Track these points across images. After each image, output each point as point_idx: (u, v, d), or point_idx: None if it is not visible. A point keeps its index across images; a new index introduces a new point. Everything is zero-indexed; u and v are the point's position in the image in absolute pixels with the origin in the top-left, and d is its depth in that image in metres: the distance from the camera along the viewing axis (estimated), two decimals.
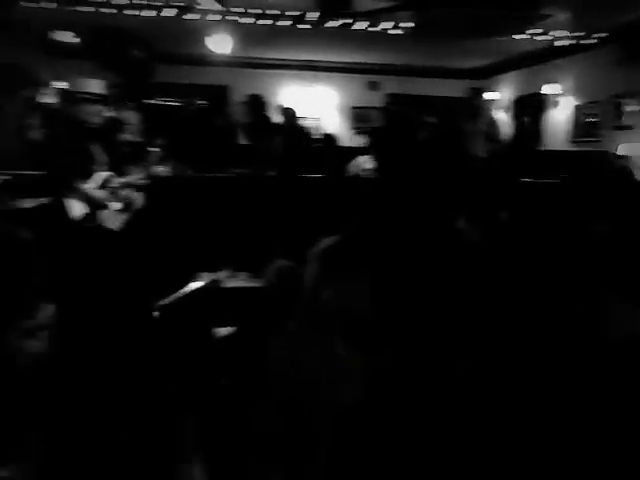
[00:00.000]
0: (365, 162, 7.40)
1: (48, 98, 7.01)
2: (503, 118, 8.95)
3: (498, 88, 9.97)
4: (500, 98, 9.84)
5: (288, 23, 5.82)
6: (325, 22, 5.60)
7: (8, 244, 3.77)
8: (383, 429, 1.76)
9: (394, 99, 10.09)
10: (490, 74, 10.02)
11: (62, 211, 4.24)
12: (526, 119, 9.25)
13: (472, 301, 2.72)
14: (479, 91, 6.80)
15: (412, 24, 5.32)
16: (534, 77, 8.85)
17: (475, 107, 6.52)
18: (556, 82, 8.20)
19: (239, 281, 5.96)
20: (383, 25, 5.81)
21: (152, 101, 9.17)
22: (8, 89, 6.82)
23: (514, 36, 5.77)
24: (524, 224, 5.07)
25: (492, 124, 6.67)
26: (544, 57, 8.16)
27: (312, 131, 8.08)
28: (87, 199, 4.32)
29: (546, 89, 8.26)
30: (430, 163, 5.82)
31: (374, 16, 5.37)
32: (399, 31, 5.96)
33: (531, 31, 5.99)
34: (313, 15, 5.53)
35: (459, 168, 5.65)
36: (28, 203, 4.82)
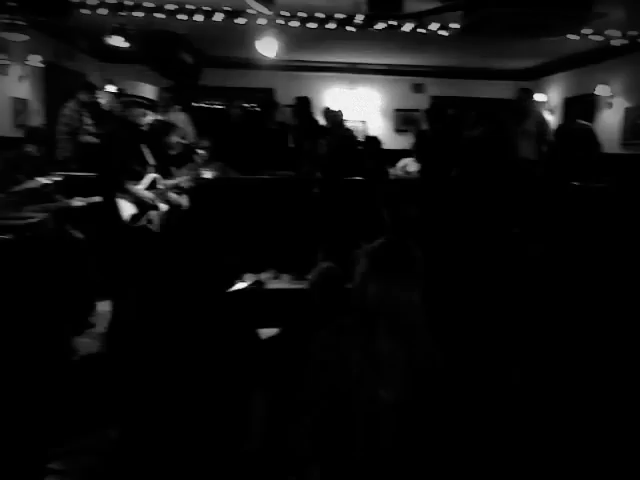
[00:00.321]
0: (409, 165, 7.37)
1: (101, 102, 7.22)
2: (552, 120, 8.76)
3: (546, 89, 9.75)
4: (548, 100, 9.63)
5: (335, 26, 5.83)
6: (372, 24, 5.59)
7: (63, 243, 3.89)
8: (425, 427, 1.74)
9: (439, 101, 9.99)
10: (539, 75, 9.82)
11: (113, 211, 4.37)
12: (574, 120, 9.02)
13: (522, 303, 2.67)
14: (529, 92, 6.66)
15: (460, 25, 5.25)
16: (584, 78, 8.62)
17: (525, 109, 6.39)
18: (607, 83, 7.96)
19: (282, 283, 6.00)
20: (430, 26, 5.76)
21: (199, 104, 9.35)
22: (65, 93, 7.06)
23: (567, 36, 5.63)
24: (575, 229, 4.94)
25: (542, 126, 6.52)
26: (595, 57, 7.94)
27: (356, 134, 8.08)
28: (136, 200, 4.44)
29: (597, 90, 8.03)
30: (477, 166, 5.75)
31: (422, 17, 5.32)
32: (446, 32, 5.90)
33: (584, 31, 5.84)
34: (360, 17, 5.53)
35: (507, 171, 5.57)
36: (80, 202, 4.98)
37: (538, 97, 8.95)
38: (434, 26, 5.81)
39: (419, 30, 5.79)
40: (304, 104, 7.17)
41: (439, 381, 1.79)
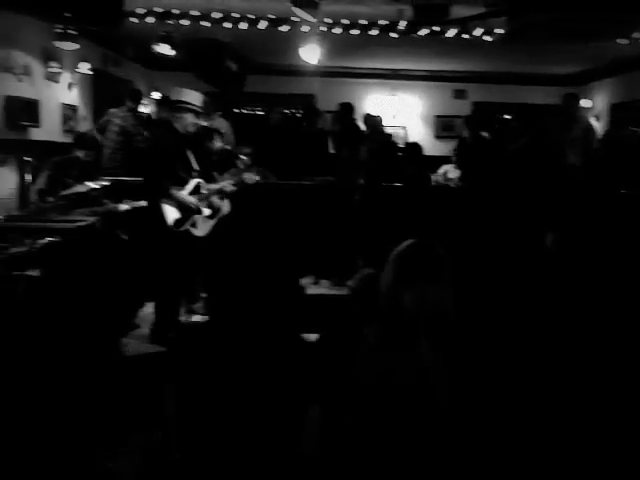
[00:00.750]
0: (449, 171, 7.30)
1: (148, 108, 7.41)
2: (598, 126, 8.56)
3: (592, 95, 9.54)
4: (594, 105, 9.43)
5: (377, 32, 5.84)
6: (416, 30, 5.58)
7: (110, 246, 3.99)
8: (470, 434, 1.71)
9: (481, 107, 9.88)
10: (584, 80, 9.61)
11: (157, 215, 4.45)
12: (623, 127, 8.79)
13: (553, 309, 2.62)
14: (576, 98, 6.52)
15: (505, 30, 5.20)
16: (632, 84, 8.41)
17: (570, 115, 6.26)
18: None
19: (322, 288, 6.02)
20: (475, 32, 5.71)
21: (242, 110, 9.48)
22: (111, 100, 7.25)
23: (617, 40, 5.51)
24: (622, 238, 4.81)
25: (588, 132, 6.38)
26: None
27: (396, 140, 8.05)
28: (180, 205, 4.52)
29: None
30: (519, 173, 5.66)
31: (466, 23, 5.29)
32: (491, 38, 5.84)
33: (635, 35, 5.70)
34: (403, 23, 5.52)
35: (551, 178, 5.47)
36: (127, 206, 5.11)
37: (584, 103, 8.76)
38: (478, 31, 5.76)
39: (463, 36, 5.75)
40: (347, 110, 7.19)
41: (476, 388, 1.76)
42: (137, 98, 6.75)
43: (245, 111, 9.87)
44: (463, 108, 9.79)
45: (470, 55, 7.81)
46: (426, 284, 1.77)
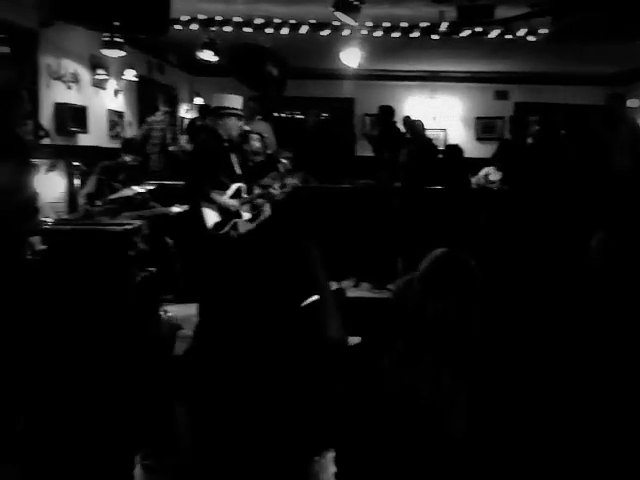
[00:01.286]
0: (491, 173, 7.21)
1: (190, 113, 7.55)
2: None
3: (638, 95, 9.27)
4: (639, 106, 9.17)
5: (418, 34, 5.82)
6: (458, 32, 5.54)
7: (155, 249, 4.05)
8: (490, 461, 1.65)
9: (523, 108, 9.72)
10: (630, 80, 9.35)
11: (199, 219, 4.53)
12: None
13: (596, 326, 2.51)
14: (621, 98, 6.35)
15: (549, 30, 5.11)
16: None
17: (616, 115, 6.10)
18: None
19: (362, 291, 6.03)
20: (518, 32, 5.64)
21: (281, 114, 9.56)
22: (155, 105, 7.43)
23: None
24: None
25: (635, 132, 6.20)
26: None
27: (436, 142, 7.99)
28: (221, 208, 4.59)
29: None
30: (565, 175, 5.54)
31: (509, 23, 5.22)
32: (534, 38, 5.75)
33: None
34: (445, 25, 5.49)
35: (598, 180, 5.34)
36: (178, 209, 5.23)
37: (630, 103, 8.52)
38: (521, 32, 5.68)
39: (506, 36, 5.68)
40: (387, 113, 7.18)
41: (503, 410, 1.68)
42: (172, 103, 6.90)
43: (285, 115, 9.95)
44: (505, 109, 9.65)
45: (512, 55, 7.70)
46: (450, 297, 1.72)
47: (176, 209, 5.23)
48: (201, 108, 7.79)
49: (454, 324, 1.70)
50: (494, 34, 5.72)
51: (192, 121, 7.17)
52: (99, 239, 4.26)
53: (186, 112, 9.49)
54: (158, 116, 6.93)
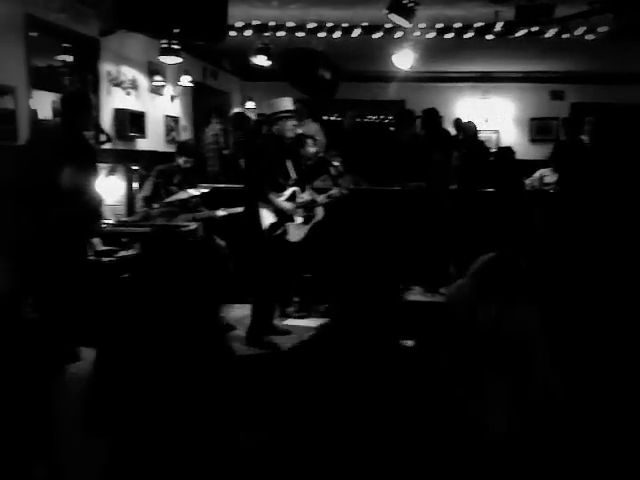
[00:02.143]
0: (546, 175, 7.04)
1: (246, 117, 7.67)
2: None
3: None
4: None
5: (472, 35, 5.75)
6: (513, 32, 5.45)
7: (209, 250, 4.15)
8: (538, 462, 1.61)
9: (580, 108, 9.45)
10: None
11: (255, 219, 4.60)
12: None
13: None
14: None
15: (610, 28, 4.96)
16: None
17: None
18: None
19: (414, 295, 5.98)
20: (576, 31, 5.49)
21: (330, 117, 9.60)
22: (209, 110, 7.58)
23: None
24: None
25: None
26: None
27: (489, 144, 7.86)
28: (276, 210, 4.65)
29: None
30: (623, 176, 5.36)
31: (567, 22, 5.10)
32: (593, 36, 5.59)
33: None
34: (500, 25, 5.41)
35: None
36: (223, 212, 5.33)
37: None
38: (580, 30, 5.53)
39: (563, 35, 5.54)
40: (432, 116, 7.12)
41: (556, 413, 1.62)
42: (222, 113, 7.08)
43: (333, 118, 9.99)
44: (560, 110, 9.40)
45: (568, 55, 7.51)
46: (503, 302, 1.67)
47: (221, 212, 5.32)
48: (255, 112, 7.91)
49: (504, 327, 1.64)
50: (551, 33, 5.59)
51: (249, 124, 7.27)
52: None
53: (246, 115, 9.64)
54: (211, 128, 7.11)
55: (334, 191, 4.90)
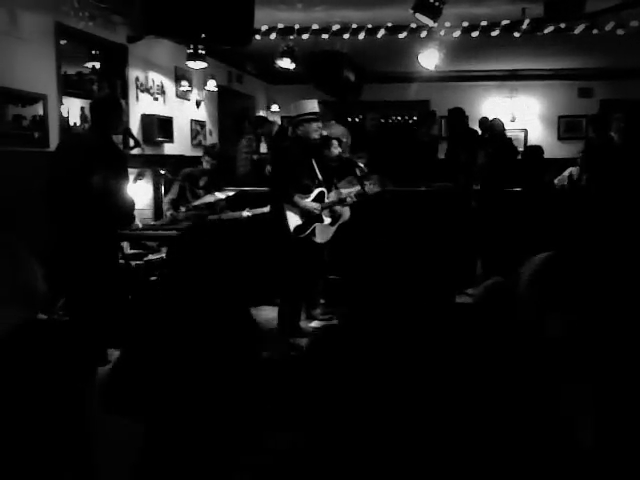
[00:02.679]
0: (575, 174, 6.92)
1: (272, 120, 7.75)
2: None
3: None
4: None
5: (498, 33, 5.69)
6: (541, 28, 5.37)
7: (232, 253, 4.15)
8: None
9: (609, 105, 9.28)
10: None
11: (281, 222, 4.61)
12: None
13: None
14: None
15: None
16: None
17: None
18: None
19: None
20: (606, 27, 5.39)
21: (354, 119, 9.60)
22: (235, 113, 7.66)
23: None
24: None
25: None
26: None
27: (516, 143, 7.76)
28: (302, 212, 4.66)
29: None
30: None
31: (597, 17, 5.00)
32: (623, 31, 5.48)
33: None
34: (527, 22, 5.34)
35: None
36: (248, 213, 5.37)
37: None
38: (609, 25, 5.42)
39: (592, 31, 5.44)
40: (457, 115, 7.06)
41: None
42: (256, 124, 7.15)
43: (357, 119, 9.98)
44: (589, 107, 9.25)
45: (597, 51, 7.37)
46: (578, 310, 1.56)
47: (246, 213, 5.36)
48: (281, 114, 7.97)
49: (578, 335, 1.56)
50: (580, 29, 5.50)
51: (277, 127, 7.34)
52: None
53: (272, 120, 9.72)
54: (243, 143, 7.21)
55: (359, 188, 4.88)
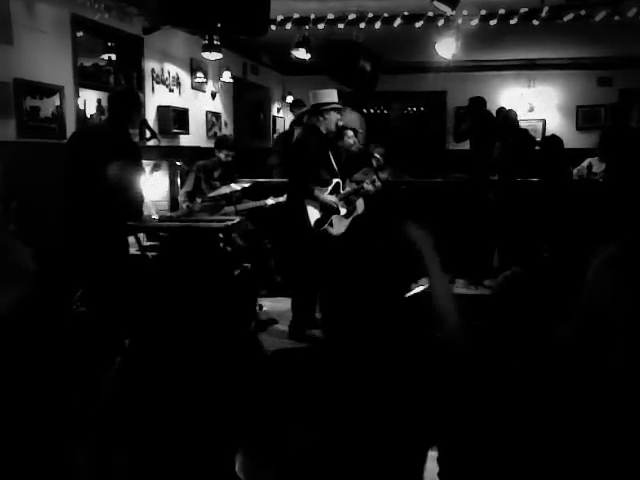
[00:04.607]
0: (594, 164, 6.82)
1: (288, 112, 7.70)
2: None
3: None
4: None
5: (517, 21, 5.60)
6: (561, 16, 5.27)
7: (250, 244, 4.08)
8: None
9: (628, 95, 9.12)
10: None
11: (301, 215, 4.59)
12: None
13: None
14: None
15: None
16: None
17: None
18: None
19: (457, 288, 5.89)
20: (628, 13, 5.27)
21: (370, 110, 9.54)
22: (250, 105, 7.63)
23: None
24: None
25: None
26: None
27: (534, 134, 7.67)
28: (322, 205, 4.63)
29: None
30: None
31: (618, 3, 4.90)
32: None
33: None
34: (546, 9, 5.24)
35: None
36: (272, 201, 5.36)
37: None
38: (632, 12, 5.31)
39: (614, 18, 5.33)
40: (478, 105, 6.98)
41: None
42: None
43: (376, 110, 9.93)
44: (609, 96, 9.10)
45: (617, 39, 7.23)
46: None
47: (270, 201, 5.36)
48: (307, 110, 7.93)
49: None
50: (600, 16, 5.39)
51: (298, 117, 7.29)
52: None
53: (277, 112, 9.68)
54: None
55: (374, 179, 4.83)
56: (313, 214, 4.52)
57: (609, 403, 1.54)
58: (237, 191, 5.36)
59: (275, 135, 8.83)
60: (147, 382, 1.66)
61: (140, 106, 3.79)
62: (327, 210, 4.57)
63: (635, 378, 1.55)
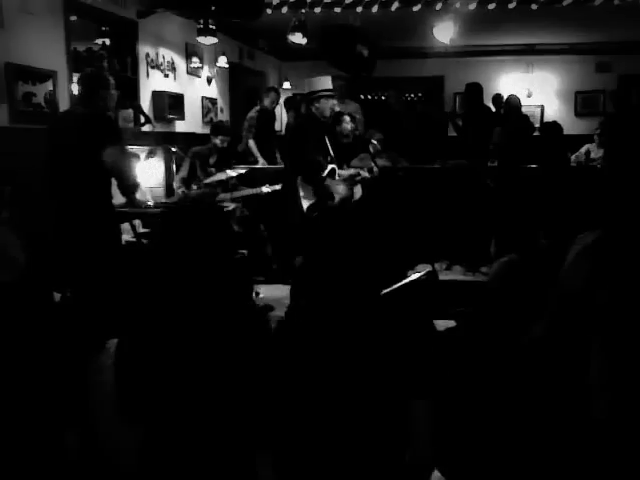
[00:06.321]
0: (592, 151, 6.80)
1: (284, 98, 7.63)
2: None
3: None
4: None
5: (515, 5, 5.54)
6: (559, 0, 5.21)
7: (245, 231, 4.09)
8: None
9: (627, 81, 9.07)
10: None
11: (294, 201, 4.57)
12: None
13: None
14: None
15: None
16: None
17: None
18: None
19: (454, 274, 5.89)
20: None
21: (367, 96, 9.48)
22: (246, 90, 7.56)
23: None
24: None
25: None
26: None
27: (532, 120, 7.63)
28: (315, 191, 4.61)
29: None
30: None
31: None
32: None
33: None
34: None
35: None
36: (267, 189, 5.33)
37: None
38: None
39: (614, 2, 5.27)
40: (474, 91, 6.93)
41: None
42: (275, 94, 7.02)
43: (374, 96, 9.86)
44: (608, 82, 9.05)
45: (616, 24, 7.17)
46: (627, 282, 1.55)
47: (266, 189, 5.33)
48: (300, 97, 7.82)
49: (626, 310, 1.57)
50: (599, 1, 5.33)
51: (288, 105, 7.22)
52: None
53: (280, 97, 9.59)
54: (254, 112, 7.04)
55: (371, 165, 4.81)
56: (306, 199, 4.50)
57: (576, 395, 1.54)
58: (233, 177, 5.33)
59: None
60: (151, 362, 1.65)
61: (108, 83, 3.66)
62: (320, 195, 4.55)
63: (606, 364, 1.55)
